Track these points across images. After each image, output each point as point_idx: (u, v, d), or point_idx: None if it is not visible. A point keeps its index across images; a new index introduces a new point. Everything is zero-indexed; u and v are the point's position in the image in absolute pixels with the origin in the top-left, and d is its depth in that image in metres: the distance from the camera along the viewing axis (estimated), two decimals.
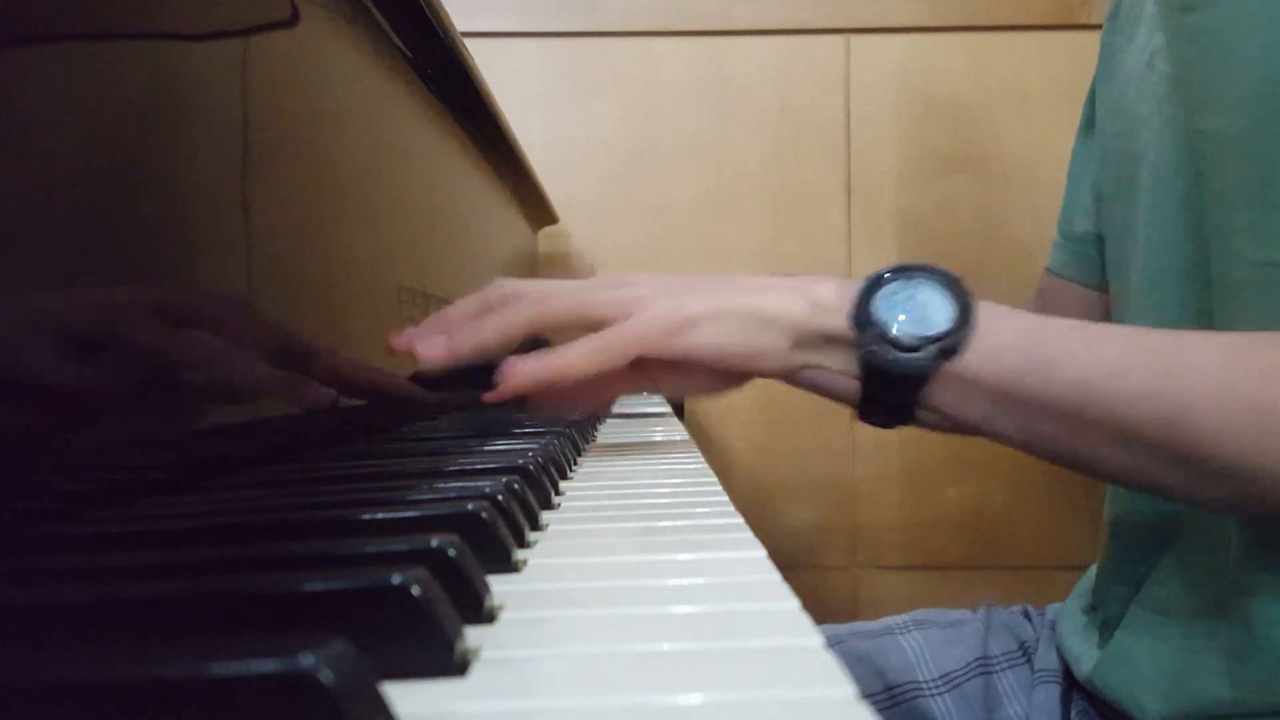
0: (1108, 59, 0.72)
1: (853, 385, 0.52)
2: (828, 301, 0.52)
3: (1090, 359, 0.48)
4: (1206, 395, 0.45)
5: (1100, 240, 0.74)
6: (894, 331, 0.49)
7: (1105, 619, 0.64)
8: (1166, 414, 0.45)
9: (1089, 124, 0.79)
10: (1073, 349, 0.48)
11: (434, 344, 0.53)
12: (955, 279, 0.51)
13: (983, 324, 0.49)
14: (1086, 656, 0.64)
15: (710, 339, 0.52)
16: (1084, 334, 0.49)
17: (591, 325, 0.53)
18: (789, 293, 0.53)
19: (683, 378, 0.56)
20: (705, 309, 0.52)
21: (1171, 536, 0.59)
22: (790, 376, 0.53)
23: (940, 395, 0.50)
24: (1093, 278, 0.76)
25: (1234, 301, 0.53)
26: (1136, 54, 0.64)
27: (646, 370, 0.54)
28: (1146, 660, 0.58)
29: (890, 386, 0.50)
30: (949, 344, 0.49)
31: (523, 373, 0.52)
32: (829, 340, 0.52)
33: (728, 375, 0.55)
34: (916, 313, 0.50)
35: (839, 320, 0.51)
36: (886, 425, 0.53)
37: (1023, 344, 0.49)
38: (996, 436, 0.51)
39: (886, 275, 0.51)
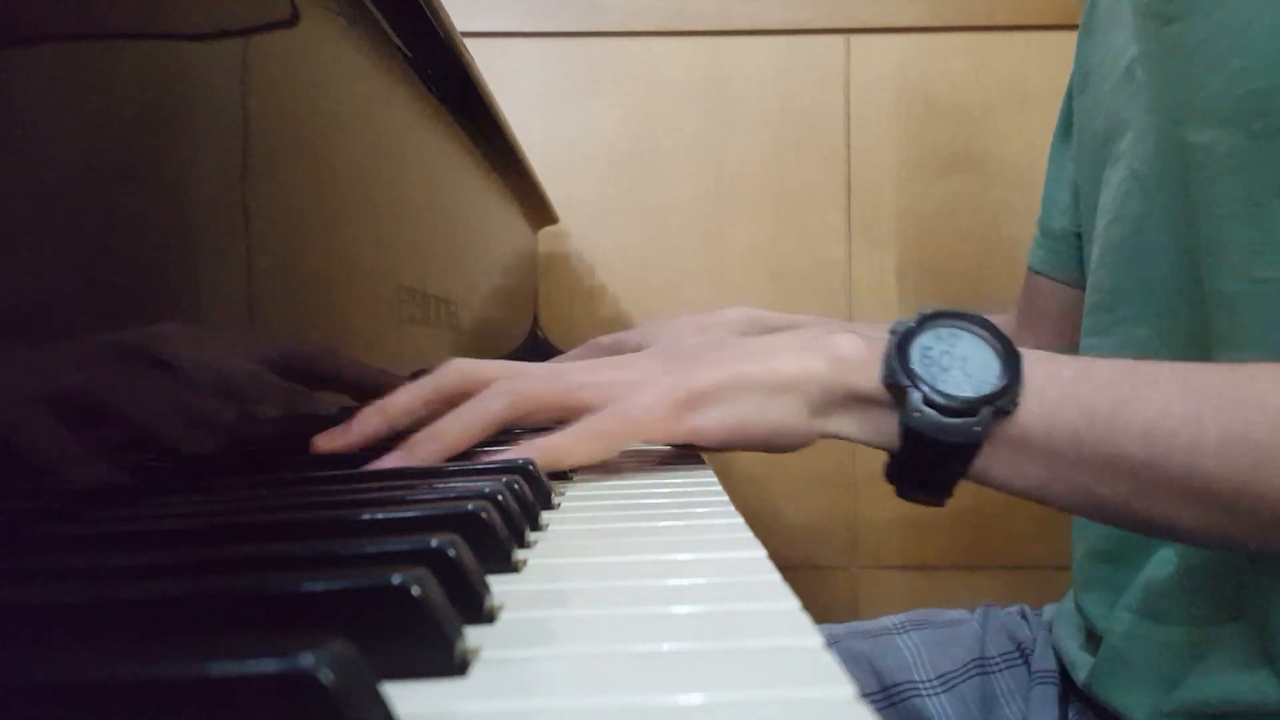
0: (1083, 61, 0.71)
1: (878, 450, 0.46)
2: (851, 356, 0.46)
3: (1153, 408, 0.43)
4: None
5: (1078, 238, 0.74)
6: (944, 390, 0.43)
7: (1096, 624, 0.64)
8: (1244, 462, 0.41)
9: (1066, 126, 0.80)
10: (1130, 396, 0.43)
11: (390, 458, 0.45)
12: (992, 326, 0.46)
13: (1030, 376, 0.44)
14: (1082, 663, 0.64)
15: (719, 419, 0.46)
16: (1137, 377, 0.44)
17: (574, 415, 0.47)
18: (803, 351, 0.46)
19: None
20: (711, 383, 0.46)
21: (1165, 544, 0.58)
22: (804, 445, 0.47)
23: (991, 463, 0.44)
24: (1072, 275, 0.77)
25: (1231, 317, 0.52)
26: (1114, 59, 0.63)
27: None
28: (1143, 665, 0.58)
29: (937, 457, 0.44)
30: (1004, 403, 0.43)
31: (535, 454, 0.46)
32: (857, 402, 0.46)
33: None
34: (960, 369, 0.44)
35: (868, 378, 0.45)
36: (933, 501, 0.47)
37: (1076, 396, 0.44)
38: (1051, 503, 0.46)
39: (918, 325, 0.46)
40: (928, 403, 0.43)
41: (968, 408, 0.43)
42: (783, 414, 0.46)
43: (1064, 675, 0.68)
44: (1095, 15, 0.70)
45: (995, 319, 0.90)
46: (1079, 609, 0.66)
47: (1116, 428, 0.43)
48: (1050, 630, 0.72)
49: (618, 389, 0.47)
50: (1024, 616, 0.77)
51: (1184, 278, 0.55)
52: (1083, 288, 0.69)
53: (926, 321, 0.46)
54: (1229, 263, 0.51)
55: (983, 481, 0.46)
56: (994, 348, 0.45)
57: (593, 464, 0.48)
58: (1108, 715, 0.62)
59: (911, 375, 0.44)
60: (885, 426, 0.46)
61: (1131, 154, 0.59)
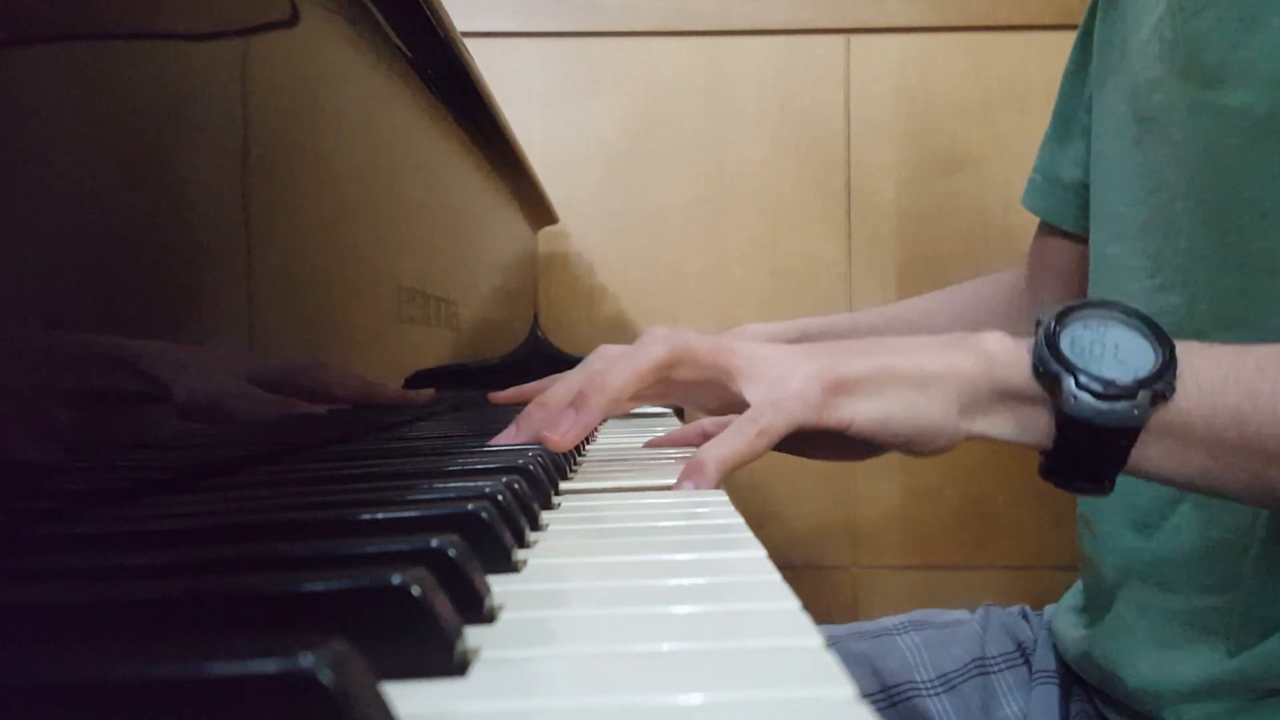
0: (1104, 29, 0.68)
1: (1032, 450, 0.46)
2: (999, 352, 0.45)
3: None
4: None
5: (1087, 189, 0.70)
6: (1100, 375, 0.42)
7: (1098, 597, 0.64)
8: None
9: (1081, 62, 0.74)
10: None
11: (564, 416, 0.48)
12: (1141, 313, 0.45)
13: (1184, 361, 0.43)
14: (1078, 637, 0.64)
15: (868, 409, 0.45)
16: None
17: (722, 376, 0.47)
18: (949, 349, 0.46)
19: (817, 450, 0.50)
20: (862, 372, 0.45)
21: (1182, 516, 0.58)
22: (951, 447, 0.46)
23: (1151, 452, 0.43)
24: (1078, 226, 0.73)
25: (1274, 281, 0.50)
26: (1145, 16, 0.60)
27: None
28: (1142, 633, 0.59)
29: (1096, 443, 0.43)
30: (1162, 387, 0.42)
31: (711, 465, 0.45)
32: (1007, 398, 0.45)
33: (868, 446, 0.48)
34: (1113, 355, 0.43)
35: (1019, 372, 0.44)
36: (1097, 491, 0.46)
37: (1236, 379, 0.43)
38: (1219, 492, 0.45)
39: (1065, 318, 0.45)
40: (1083, 388, 0.42)
41: (1125, 391, 0.42)
42: (930, 411, 0.45)
43: (1066, 675, 0.68)
44: None
45: (1001, 278, 0.89)
46: (1086, 596, 0.67)
47: (1278, 411, 0.42)
48: (1050, 629, 0.72)
49: (768, 364, 0.46)
50: (1025, 617, 0.77)
51: (1212, 246, 0.53)
52: (1086, 240, 0.66)
53: (1073, 311, 0.45)
54: (1273, 225, 0.49)
55: (1144, 473, 0.44)
56: (1145, 334, 0.44)
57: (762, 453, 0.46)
58: (1108, 704, 0.62)
59: (1065, 363, 0.43)
60: (1038, 422, 0.45)
61: (1165, 119, 0.57)
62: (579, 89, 1.37)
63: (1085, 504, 0.67)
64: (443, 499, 0.35)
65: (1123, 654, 0.60)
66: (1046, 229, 0.80)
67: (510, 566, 0.32)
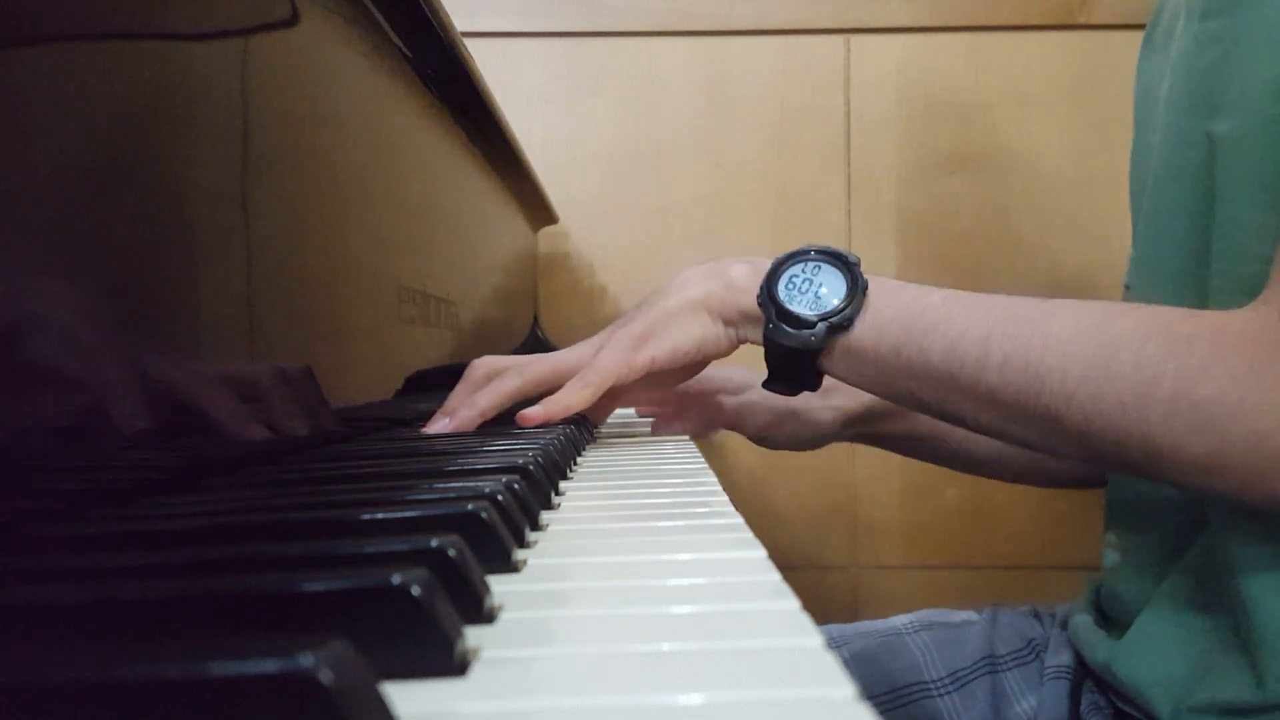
0: (1142, 78, 0.74)
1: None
2: (739, 282, 0.59)
3: (958, 329, 0.52)
4: (1056, 362, 0.49)
5: None
6: (791, 309, 0.56)
7: (1120, 612, 0.64)
8: (1018, 378, 0.50)
9: None
10: (945, 319, 0.53)
11: (438, 424, 0.64)
12: (852, 261, 0.57)
13: (873, 300, 0.55)
14: (1101, 646, 0.64)
15: (660, 347, 0.61)
16: (958, 305, 0.53)
17: (567, 378, 0.62)
18: (705, 279, 0.61)
19: (653, 387, 0.67)
20: (648, 324, 0.61)
21: (1191, 532, 0.59)
22: (734, 349, 0.61)
23: (834, 365, 0.56)
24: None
25: (1237, 300, 0.53)
26: (1160, 66, 0.66)
27: (623, 393, 0.66)
28: (1165, 652, 0.59)
29: (788, 359, 0.57)
30: (838, 320, 0.55)
31: (533, 418, 0.61)
32: (746, 316, 0.59)
33: (688, 368, 0.64)
34: (812, 293, 0.56)
35: (750, 299, 0.58)
36: (789, 393, 0.60)
37: (904, 317, 0.54)
38: (890, 399, 0.58)
39: (789, 259, 0.57)
40: (780, 319, 0.56)
41: (805, 323, 0.55)
42: (702, 328, 0.60)
43: (1078, 670, 0.69)
44: (1156, 31, 0.72)
45: None
46: (1104, 602, 0.67)
47: (926, 344, 0.53)
48: (1064, 627, 0.72)
49: (590, 354, 0.63)
50: (1036, 616, 0.77)
51: (1191, 271, 0.58)
52: None
53: (796, 255, 0.57)
54: (1240, 245, 0.54)
55: (838, 378, 0.57)
56: (846, 278, 0.56)
57: (585, 407, 0.62)
58: (1124, 702, 0.62)
59: (773, 299, 0.56)
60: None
61: (1158, 156, 0.62)
62: (579, 89, 1.37)
63: (1115, 522, 0.67)
64: (443, 499, 0.35)
65: (1144, 669, 0.60)
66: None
67: (510, 566, 0.32)
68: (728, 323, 0.60)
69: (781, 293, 0.56)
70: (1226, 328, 0.47)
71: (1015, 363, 0.50)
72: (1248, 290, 0.52)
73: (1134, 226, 0.81)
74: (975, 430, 0.55)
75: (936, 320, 0.53)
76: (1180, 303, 0.58)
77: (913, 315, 0.54)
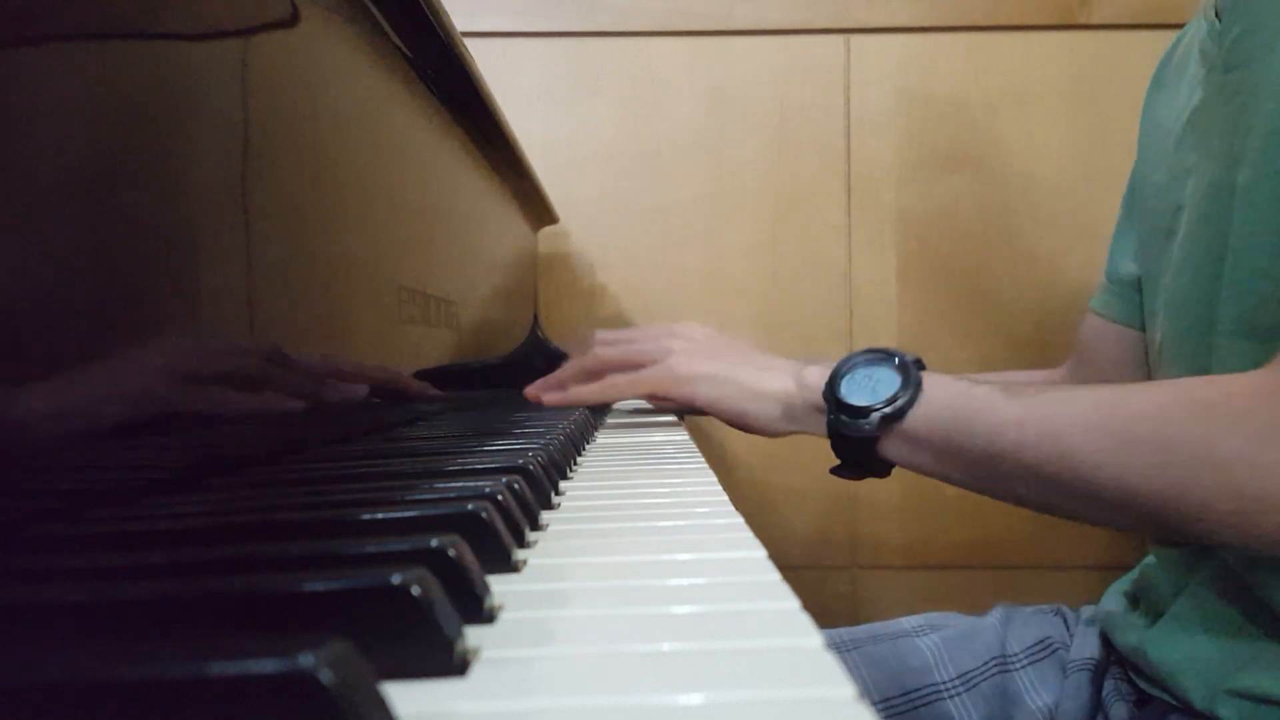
0: (1150, 114, 0.75)
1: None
2: (811, 382, 0.67)
3: (1000, 416, 0.57)
4: (1082, 437, 0.53)
5: (1140, 283, 0.76)
6: (849, 402, 0.63)
7: (1155, 600, 0.65)
8: (1051, 453, 0.54)
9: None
10: (987, 407, 0.58)
11: (552, 395, 0.78)
12: (910, 361, 0.63)
13: (926, 392, 0.61)
14: (1134, 630, 0.65)
15: (705, 394, 0.71)
16: (1000, 394, 0.59)
17: (635, 366, 0.75)
18: (784, 374, 0.69)
19: (681, 406, 0.80)
20: (709, 372, 0.71)
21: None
22: (778, 435, 0.70)
23: (892, 450, 0.62)
24: (1134, 319, 0.79)
25: (1240, 343, 0.57)
26: (1179, 111, 0.67)
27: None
28: (1201, 636, 0.59)
29: (849, 445, 0.63)
30: (891, 411, 0.61)
31: (554, 400, 0.77)
32: (814, 410, 0.66)
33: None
34: (869, 387, 0.63)
35: (818, 396, 0.65)
36: (856, 477, 0.66)
37: (951, 407, 0.60)
38: (946, 480, 0.62)
39: (850, 361, 0.65)
40: (840, 410, 0.63)
41: (861, 413, 0.62)
42: (756, 411, 0.70)
43: (1101, 662, 0.69)
44: (1167, 70, 0.74)
45: (1045, 374, 0.94)
46: (1138, 596, 0.69)
47: (972, 430, 0.58)
48: (1089, 625, 0.73)
49: (661, 355, 0.74)
50: (1059, 614, 0.77)
51: (1206, 314, 0.60)
52: (1143, 329, 0.73)
53: (858, 356, 0.65)
54: (1246, 288, 0.56)
55: (897, 464, 0.63)
56: (900, 374, 0.63)
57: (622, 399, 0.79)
58: (1151, 682, 0.62)
59: (834, 393, 0.64)
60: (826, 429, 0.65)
61: (1187, 201, 0.64)
62: (579, 89, 1.37)
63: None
64: (443, 499, 0.35)
65: (1177, 651, 0.61)
66: (1096, 315, 0.84)
67: (510, 566, 0.32)
68: (787, 416, 0.68)
69: (842, 388, 0.64)
70: (1241, 391, 0.49)
71: (1046, 441, 0.54)
72: (1252, 332, 0.56)
73: (1112, 247, 0.83)
74: (1025, 506, 0.59)
75: (980, 409, 0.58)
76: (1190, 343, 0.61)
77: (960, 405, 0.59)
